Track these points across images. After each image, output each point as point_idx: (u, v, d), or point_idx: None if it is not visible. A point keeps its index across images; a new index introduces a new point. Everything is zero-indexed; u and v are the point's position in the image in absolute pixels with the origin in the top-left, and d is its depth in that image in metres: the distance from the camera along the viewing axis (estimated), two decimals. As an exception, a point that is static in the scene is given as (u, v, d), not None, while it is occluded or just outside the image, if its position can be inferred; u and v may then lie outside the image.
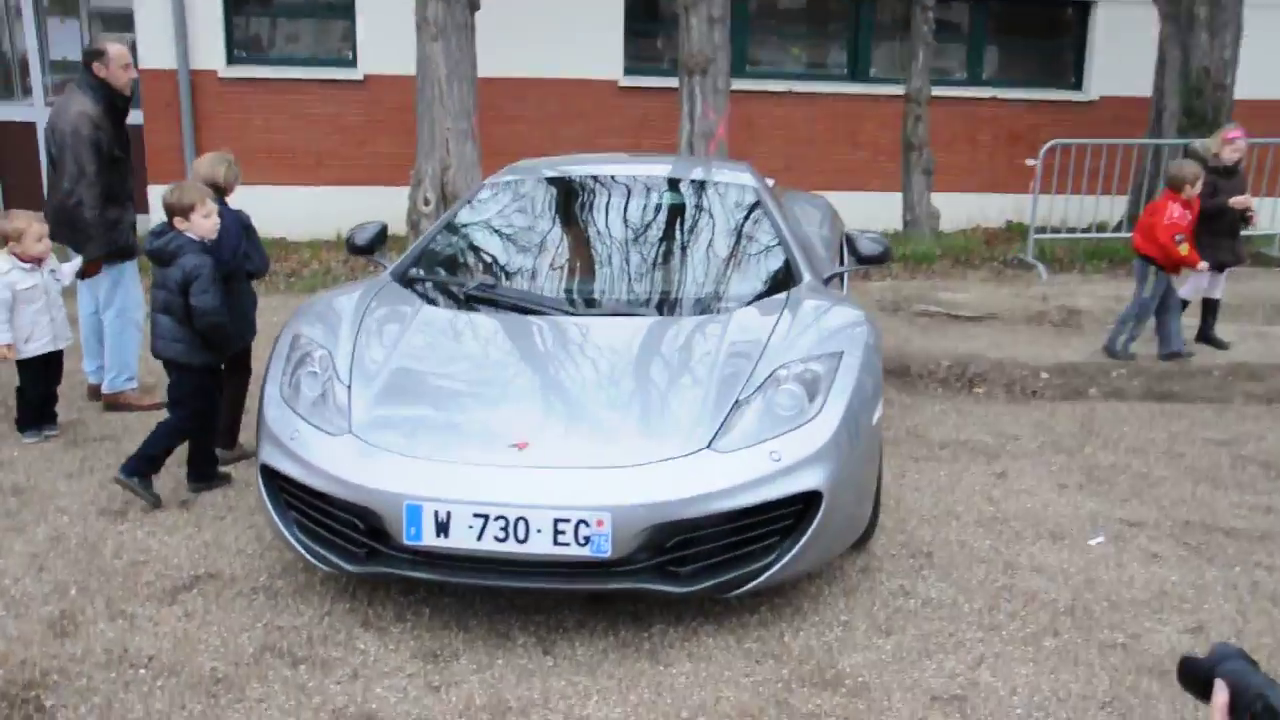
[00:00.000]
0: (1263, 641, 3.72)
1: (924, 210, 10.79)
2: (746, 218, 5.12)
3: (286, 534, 3.83)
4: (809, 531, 3.64)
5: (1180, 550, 4.41)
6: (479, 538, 3.46)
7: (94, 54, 6.00)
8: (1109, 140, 10.10)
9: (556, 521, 3.44)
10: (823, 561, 3.90)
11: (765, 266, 4.84)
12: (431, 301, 4.52)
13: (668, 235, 5.07)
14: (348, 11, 11.00)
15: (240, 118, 10.85)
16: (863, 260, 4.98)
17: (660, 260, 4.89)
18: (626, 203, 5.26)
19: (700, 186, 5.39)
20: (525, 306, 4.45)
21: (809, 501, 3.64)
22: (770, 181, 7.01)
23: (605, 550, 3.44)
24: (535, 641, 3.67)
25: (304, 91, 10.95)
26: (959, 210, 11.44)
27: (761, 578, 3.62)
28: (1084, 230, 10.64)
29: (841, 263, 6.47)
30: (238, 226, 5.06)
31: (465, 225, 5.18)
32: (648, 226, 5.12)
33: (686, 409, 3.77)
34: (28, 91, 11.30)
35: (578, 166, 5.62)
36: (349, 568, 3.69)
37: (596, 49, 11.14)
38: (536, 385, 3.96)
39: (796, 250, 4.86)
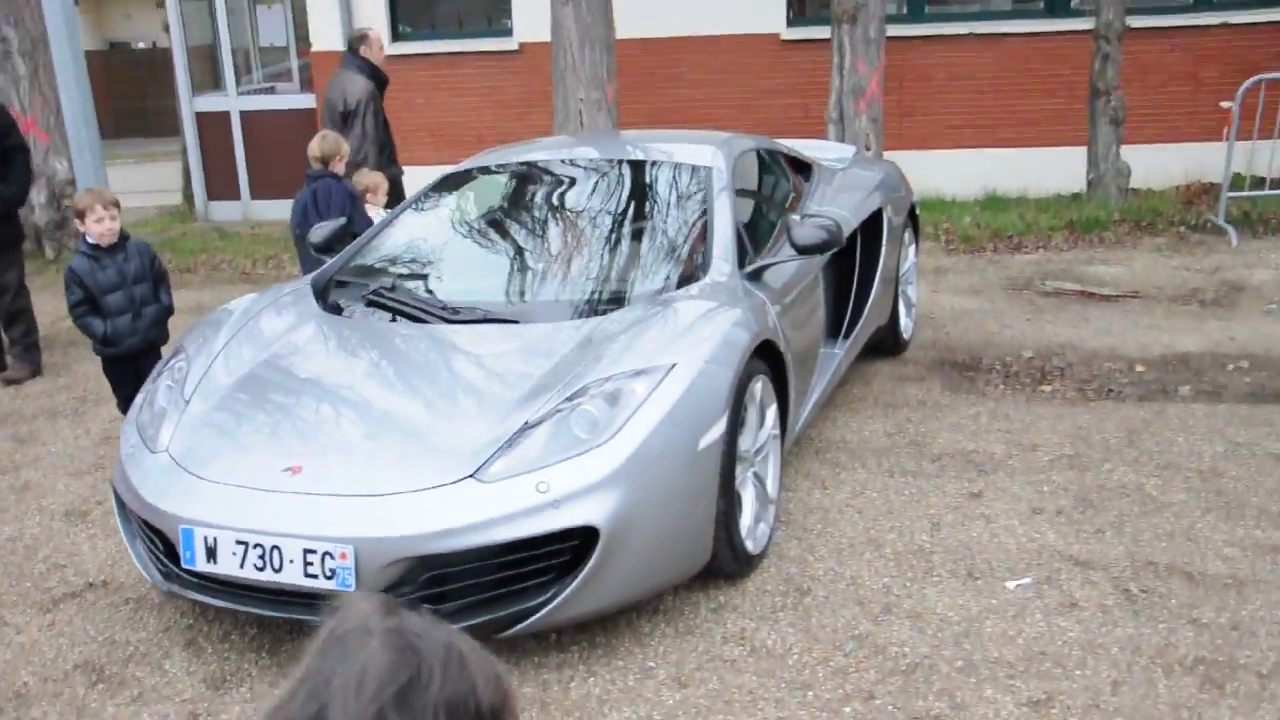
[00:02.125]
0: (1113, 726, 3.17)
1: (1111, 167, 9.75)
2: (682, 205, 4.82)
3: (129, 548, 4.00)
4: (585, 570, 3.43)
5: (1112, 599, 3.82)
6: (241, 565, 3.50)
7: (359, 39, 7.99)
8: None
9: (305, 552, 3.42)
10: (625, 600, 3.66)
11: (676, 261, 4.56)
12: (335, 309, 4.55)
13: (583, 231, 4.86)
14: (504, -19, 11.19)
15: (406, 95, 11.28)
16: (798, 250, 4.56)
17: (566, 259, 4.70)
18: (558, 196, 5.10)
19: (645, 171, 5.11)
20: (410, 314, 4.40)
21: (588, 537, 3.42)
22: (845, 152, 6.60)
23: (349, 584, 3.39)
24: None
25: (463, 65, 11.24)
26: (1172, 164, 10.25)
27: (533, 618, 3.45)
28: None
29: (902, 239, 6.03)
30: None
31: (403, 224, 5.15)
32: (567, 222, 4.94)
33: (469, 433, 3.63)
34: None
35: (530, 155, 5.43)
36: (162, 586, 3.81)
37: (755, 3, 10.74)
38: (342, 404, 3.92)
39: (719, 242, 4.52)
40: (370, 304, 4.51)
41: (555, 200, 5.09)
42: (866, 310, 5.74)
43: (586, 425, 3.56)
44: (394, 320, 4.38)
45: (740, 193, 5.24)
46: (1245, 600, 3.78)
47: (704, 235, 4.57)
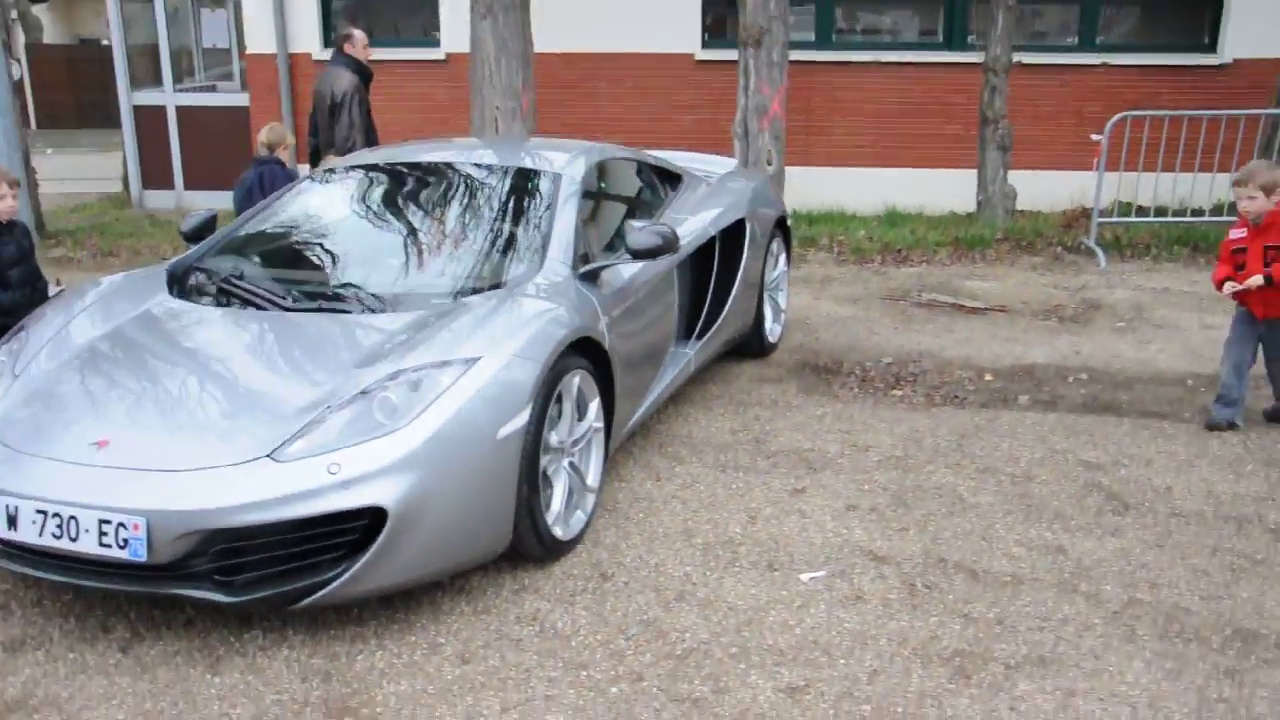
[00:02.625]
0: (861, 710, 3.15)
1: (998, 190, 9.82)
2: (528, 208, 4.78)
3: None
4: (372, 549, 3.38)
5: (896, 593, 3.81)
6: (40, 534, 3.43)
7: (345, 37, 8.36)
8: (1191, 111, 8.81)
9: (100, 522, 3.35)
10: (418, 578, 3.60)
11: (513, 260, 4.51)
12: (183, 293, 4.48)
13: (430, 230, 4.81)
14: (430, -5, 11.14)
15: (335, 97, 11.19)
16: (632, 254, 4.54)
17: (409, 255, 4.65)
18: (413, 196, 5.04)
19: (499, 175, 5.06)
20: (251, 301, 4.34)
21: (378, 517, 3.37)
22: (728, 164, 6.59)
23: (141, 554, 3.33)
24: (120, 640, 3.59)
25: (393, 72, 11.15)
26: (1059, 190, 10.34)
27: (321, 592, 3.40)
28: (1176, 214, 9.35)
29: (769, 248, 6.03)
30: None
31: (265, 217, 5.08)
32: (416, 221, 4.90)
33: (272, 414, 3.58)
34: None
35: (407, 154, 5.38)
36: None
37: (674, 21, 10.74)
38: (161, 383, 3.85)
39: (557, 243, 4.49)
40: (219, 290, 4.44)
41: (409, 200, 5.03)
42: (724, 314, 5.73)
43: (386, 411, 3.52)
44: (235, 306, 4.32)
45: (597, 199, 5.23)
46: (1016, 596, 3.78)
47: (546, 237, 4.54)
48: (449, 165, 5.15)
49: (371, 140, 8.36)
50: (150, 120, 11.80)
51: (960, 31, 10.83)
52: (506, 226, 4.71)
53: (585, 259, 4.56)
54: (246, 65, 11.39)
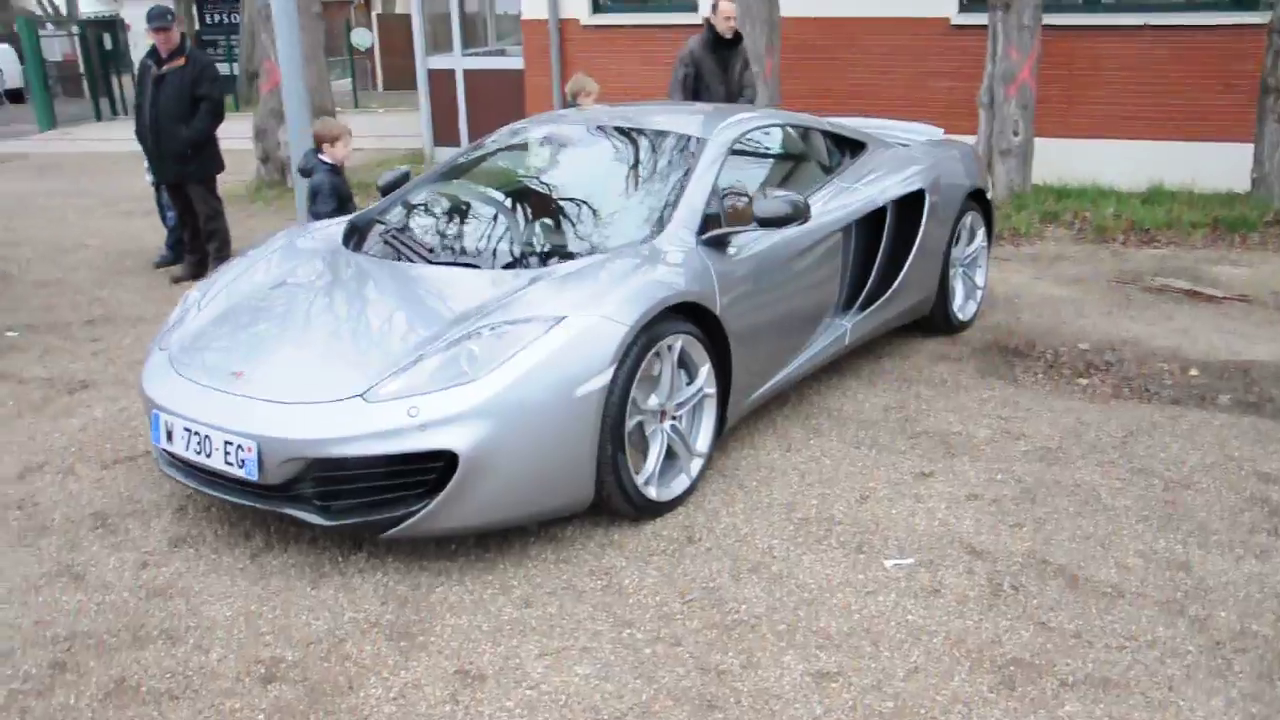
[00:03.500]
0: (884, 706, 2.95)
1: (1275, 167, 8.71)
2: (663, 172, 4.71)
3: None
4: (446, 489, 3.50)
5: (976, 591, 3.52)
6: (186, 448, 3.78)
7: (713, 7, 7.94)
8: None
9: (225, 443, 3.65)
10: (492, 522, 3.68)
11: (638, 223, 4.46)
12: (353, 244, 4.75)
13: (563, 193, 4.85)
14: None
15: (600, 62, 11.42)
16: (759, 222, 4.38)
17: (541, 216, 4.72)
18: (569, 158, 5.09)
19: (640, 140, 5.00)
20: (403, 253, 4.55)
21: (452, 461, 3.48)
22: (933, 133, 6.29)
23: (254, 474, 3.61)
24: (253, 549, 3.90)
25: (654, 37, 11.25)
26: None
27: (404, 524, 3.57)
28: None
29: (958, 222, 5.76)
30: None
31: (440, 177, 5.27)
32: (564, 182, 4.95)
33: (377, 357, 3.75)
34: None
35: (567, 120, 5.42)
36: (155, 459, 4.15)
37: (928, -14, 10.20)
38: (299, 323, 4.10)
39: (684, 207, 4.41)
40: (382, 242, 4.68)
41: (559, 164, 5.10)
42: (894, 288, 5.44)
43: (469, 361, 3.60)
44: (388, 258, 4.53)
45: (751, 165, 5.08)
46: (1109, 609, 3.40)
47: (675, 202, 4.47)
48: (603, 130, 5.15)
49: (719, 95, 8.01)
50: (441, 82, 12.49)
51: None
52: (640, 190, 4.67)
53: (718, 225, 4.45)
54: (522, 30, 11.81)
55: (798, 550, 3.80)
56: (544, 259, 4.28)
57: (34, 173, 13.91)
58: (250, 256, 4.73)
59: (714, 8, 8.04)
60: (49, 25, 26.71)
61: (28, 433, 5.05)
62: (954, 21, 10.19)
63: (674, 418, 4.08)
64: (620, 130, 5.12)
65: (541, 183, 5.01)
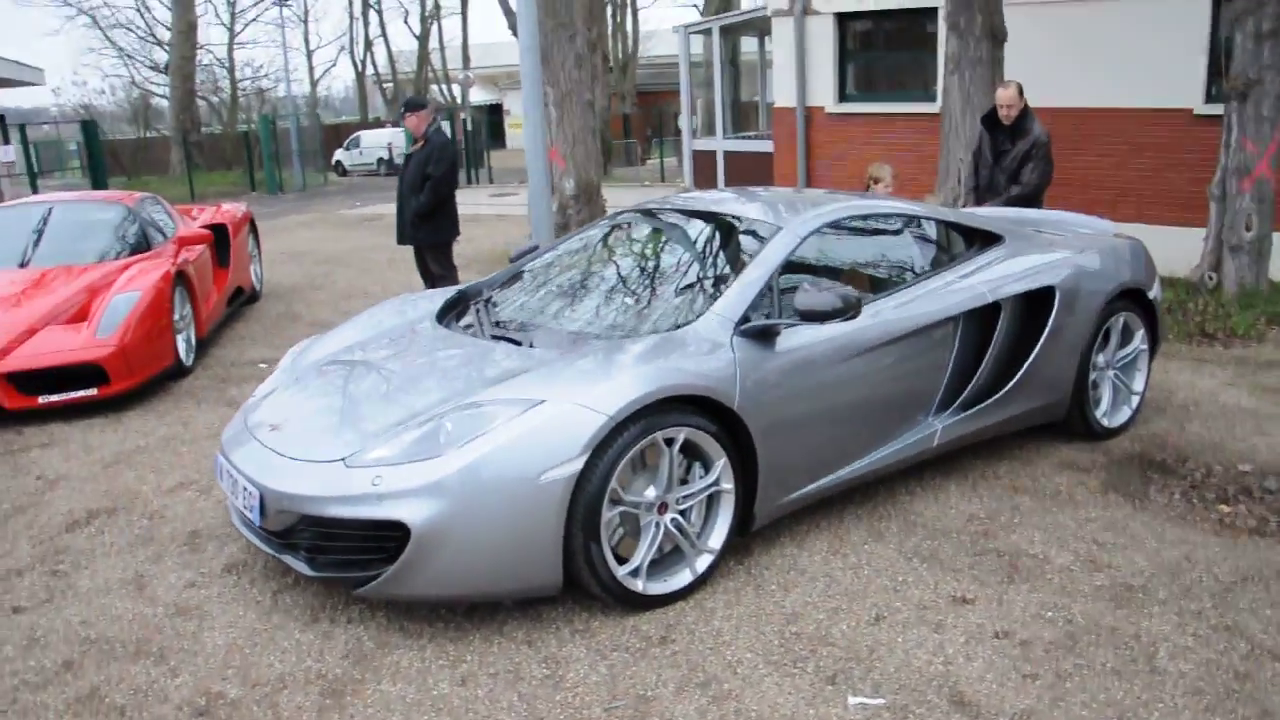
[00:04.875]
0: None
1: None
2: (726, 259, 4.19)
3: None
4: (400, 560, 3.20)
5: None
6: (227, 487, 3.75)
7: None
8: None
9: (244, 488, 3.58)
10: (452, 595, 3.35)
11: (680, 308, 3.96)
12: (441, 316, 4.58)
13: (624, 276, 4.41)
14: (932, 53, 10.22)
15: (841, 148, 10.83)
16: (799, 314, 3.77)
17: (606, 297, 4.28)
18: (648, 240, 4.65)
19: (719, 227, 4.47)
20: (470, 327, 4.33)
21: (407, 532, 3.19)
22: (1103, 227, 5.42)
23: (258, 519, 3.49)
24: (275, 586, 3.80)
25: (893, 124, 10.51)
26: None
27: (368, 585, 3.30)
28: None
29: (1102, 323, 4.90)
30: None
31: (553, 255, 4.99)
32: (632, 264, 4.51)
33: (373, 425, 3.53)
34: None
35: (670, 202, 4.95)
36: None
37: (1173, 73, 8.80)
38: (340, 387, 3.93)
39: (730, 295, 3.86)
40: (462, 315, 4.50)
41: (637, 245, 4.67)
42: (1007, 389, 4.57)
43: (442, 437, 3.30)
44: (460, 332, 4.30)
45: (840, 256, 4.45)
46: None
47: (721, 289, 3.94)
48: (687, 216, 4.69)
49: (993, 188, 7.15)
50: (703, 161, 12.35)
51: None
52: (692, 277, 4.17)
53: (767, 317, 3.87)
54: (772, 116, 11.43)
55: (766, 669, 3.16)
56: (578, 340, 3.89)
57: (383, 230, 15.12)
58: (351, 321, 4.68)
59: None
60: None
61: (207, 453, 5.27)
62: (1198, 112, 8.73)
63: (678, 511, 3.55)
64: (703, 216, 4.64)
65: (611, 266, 4.60)
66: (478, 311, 4.44)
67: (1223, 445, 5.01)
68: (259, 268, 10.03)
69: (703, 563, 3.62)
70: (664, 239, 4.65)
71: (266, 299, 9.77)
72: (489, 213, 16.64)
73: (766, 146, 11.73)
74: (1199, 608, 3.48)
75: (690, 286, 4.11)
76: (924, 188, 10.02)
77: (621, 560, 3.46)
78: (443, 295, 4.81)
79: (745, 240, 4.26)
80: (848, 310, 3.73)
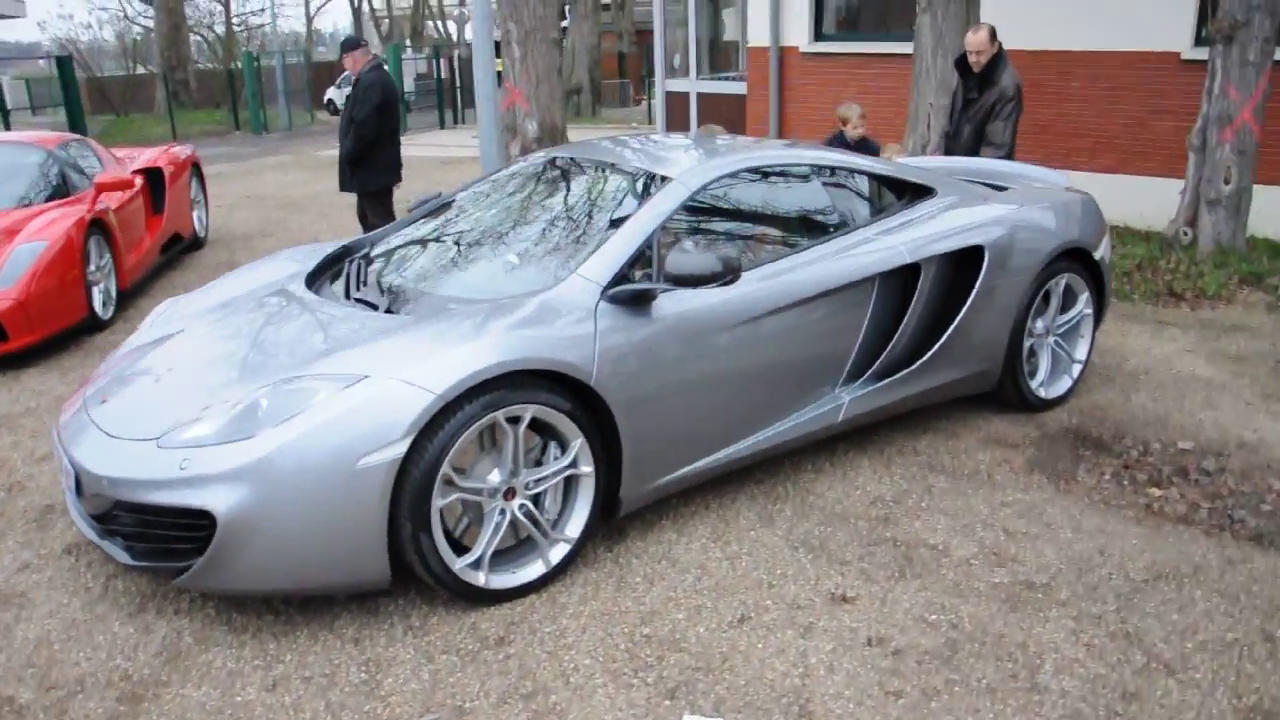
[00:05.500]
0: None
1: None
2: (604, 215, 3.83)
3: None
4: (208, 551, 2.91)
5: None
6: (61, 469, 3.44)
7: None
8: None
9: (65, 466, 3.31)
10: (269, 588, 3.03)
11: (549, 269, 3.61)
12: (319, 278, 4.22)
13: (510, 229, 4.05)
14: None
15: (814, 89, 10.34)
16: (667, 279, 3.42)
17: (472, 256, 3.93)
18: (531, 194, 4.29)
19: (609, 177, 4.10)
20: (333, 289, 3.99)
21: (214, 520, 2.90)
22: (1053, 179, 5.06)
23: (77, 502, 3.24)
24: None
25: (867, 65, 10.00)
26: None
27: (182, 577, 3.00)
28: None
29: (1038, 286, 4.53)
30: None
31: (432, 209, 4.61)
32: (513, 219, 4.13)
33: (193, 401, 3.20)
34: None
35: (568, 151, 4.56)
36: None
37: (1160, 15, 8.27)
38: (173, 355, 3.61)
39: (601, 256, 3.50)
40: (330, 279, 4.16)
41: (510, 202, 4.28)
42: (925, 359, 4.23)
43: (256, 416, 2.98)
44: (320, 294, 3.93)
45: (745, 212, 4.08)
46: None
47: (594, 249, 3.58)
48: (593, 163, 4.31)
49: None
50: (677, 103, 11.88)
51: None
52: (569, 235, 3.81)
53: (649, 280, 3.52)
54: (746, 56, 10.93)
55: (603, 679, 2.87)
56: (435, 303, 3.55)
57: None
58: (227, 276, 4.36)
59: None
60: (409, 50, 28.73)
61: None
62: (1185, 56, 8.21)
63: (529, 497, 3.25)
64: (601, 166, 4.26)
65: (496, 221, 4.21)
66: (351, 271, 4.10)
67: (1166, 419, 4.67)
68: (204, 213, 9.67)
69: (558, 553, 3.33)
70: (555, 191, 4.28)
71: (211, 246, 9.44)
72: (466, 155, 16.19)
73: (740, 88, 11.23)
74: (1100, 611, 3.17)
75: (562, 245, 3.76)
76: (900, 133, 9.56)
77: (466, 550, 3.16)
78: (324, 251, 4.46)
79: (632, 195, 3.90)
80: (725, 274, 3.38)
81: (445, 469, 3.00)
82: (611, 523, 3.59)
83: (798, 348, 3.89)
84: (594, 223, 3.82)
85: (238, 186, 13.87)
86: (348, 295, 3.83)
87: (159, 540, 3.05)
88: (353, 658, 2.98)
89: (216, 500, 2.86)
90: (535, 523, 3.26)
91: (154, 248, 8.09)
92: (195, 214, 9.37)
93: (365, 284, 3.92)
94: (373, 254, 4.25)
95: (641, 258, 3.55)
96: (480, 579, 3.16)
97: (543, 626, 3.11)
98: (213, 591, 3.14)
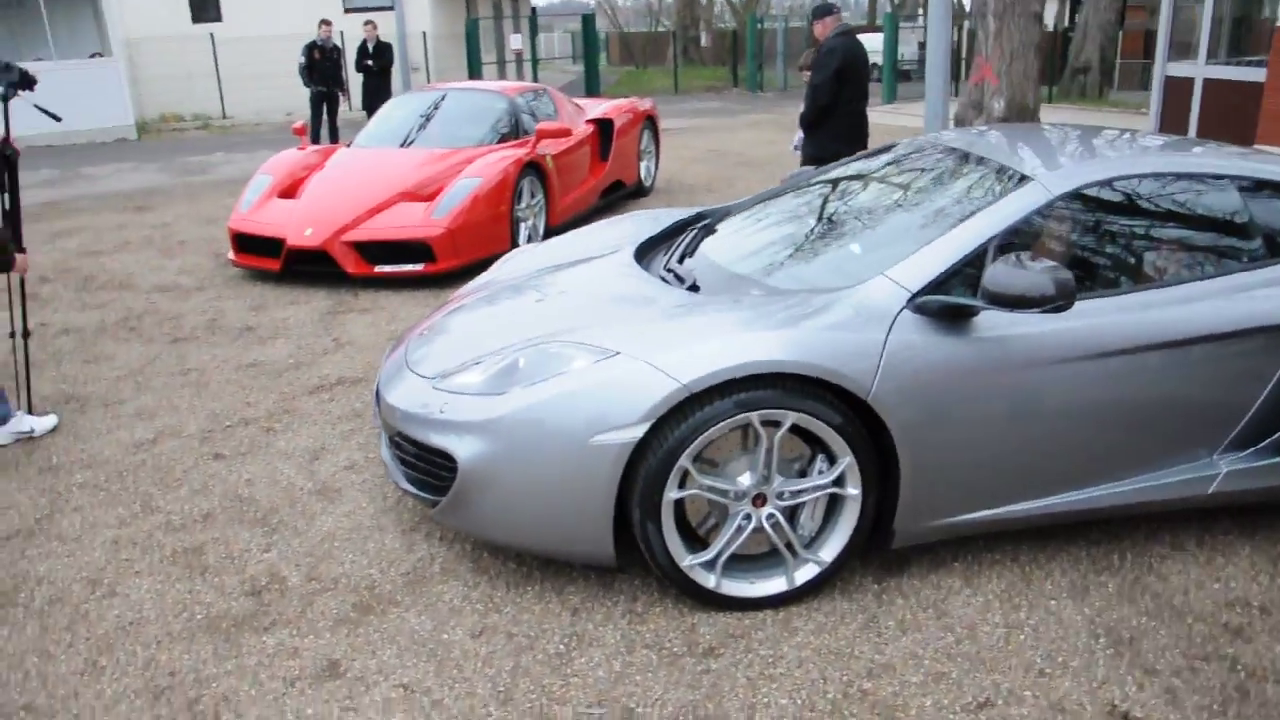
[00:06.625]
0: None
1: None
2: (950, 211, 3.32)
3: None
4: (451, 491, 3.06)
5: None
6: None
7: None
8: None
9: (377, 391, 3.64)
10: (499, 539, 3.08)
11: (866, 265, 3.22)
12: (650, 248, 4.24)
13: (850, 219, 3.70)
14: None
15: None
16: (986, 296, 2.90)
17: (798, 241, 3.67)
18: (890, 182, 3.87)
19: (969, 172, 3.54)
20: (656, 261, 3.96)
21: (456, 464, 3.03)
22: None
23: (379, 424, 3.56)
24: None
25: None
26: None
27: (433, 510, 3.18)
28: None
29: None
30: None
31: (784, 190, 4.37)
32: (852, 210, 3.78)
33: (477, 350, 3.33)
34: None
35: (941, 142, 4.04)
36: None
37: None
38: (501, 312, 3.73)
39: (918, 258, 3.05)
40: (664, 250, 4.15)
41: (860, 191, 3.90)
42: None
43: (513, 374, 3.04)
44: (645, 263, 3.92)
45: (1135, 226, 3.39)
46: None
47: (916, 249, 3.15)
48: (959, 153, 3.79)
49: None
50: (1178, 90, 10.31)
51: None
52: (889, 228, 3.38)
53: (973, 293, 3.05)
54: (1273, 40, 9.12)
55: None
56: (737, 286, 3.38)
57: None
58: (577, 233, 4.54)
59: None
60: (920, 19, 27.65)
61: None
62: None
63: (781, 509, 2.99)
64: (965, 157, 3.74)
65: (834, 205, 3.86)
66: (683, 242, 4.05)
67: None
68: (652, 164, 10.21)
69: (805, 573, 3.03)
70: (905, 180, 3.86)
71: (654, 195, 9.97)
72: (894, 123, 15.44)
73: (1258, 75, 9.44)
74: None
75: (880, 242, 3.37)
76: None
77: (705, 547, 3.00)
78: (675, 216, 4.46)
79: (980, 192, 3.38)
80: (1056, 300, 2.80)
81: (684, 461, 2.83)
82: (885, 551, 3.20)
83: (1163, 397, 3.16)
84: (921, 220, 3.38)
85: (707, 140, 14.53)
86: (665, 267, 3.78)
87: (424, 472, 3.23)
88: (562, 627, 2.96)
89: (461, 447, 2.97)
90: (786, 536, 2.99)
91: (593, 192, 8.70)
92: (644, 164, 9.93)
93: (691, 256, 3.84)
94: (715, 226, 4.17)
95: (970, 266, 3.06)
96: (711, 581, 2.98)
97: (760, 648, 2.86)
98: (456, 530, 3.28)
